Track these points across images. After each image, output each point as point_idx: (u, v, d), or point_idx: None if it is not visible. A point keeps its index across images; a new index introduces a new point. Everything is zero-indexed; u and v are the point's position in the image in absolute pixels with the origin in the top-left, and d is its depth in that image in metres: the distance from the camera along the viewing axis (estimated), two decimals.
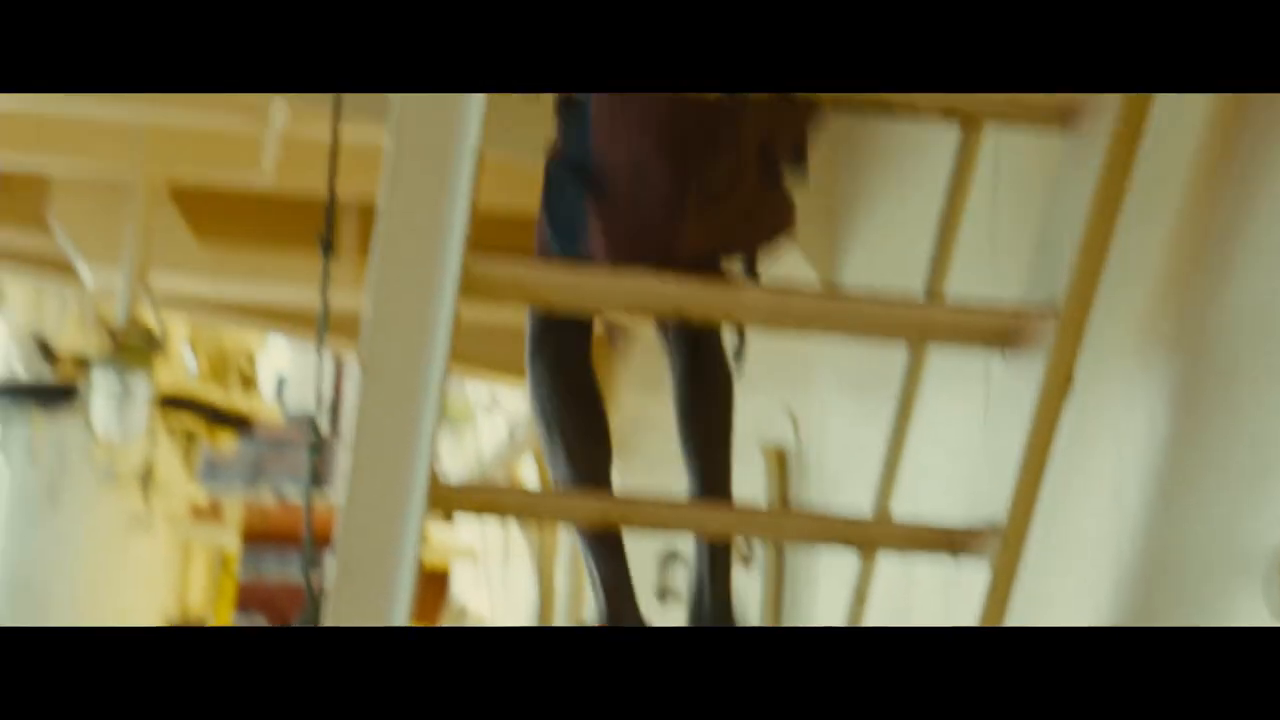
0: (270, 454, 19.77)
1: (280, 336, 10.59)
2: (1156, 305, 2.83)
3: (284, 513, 15.77)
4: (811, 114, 3.27)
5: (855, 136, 4.16)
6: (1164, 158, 2.78)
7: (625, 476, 7.39)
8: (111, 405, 8.72)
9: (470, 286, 2.64)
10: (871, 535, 2.97)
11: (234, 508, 14.37)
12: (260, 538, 15.40)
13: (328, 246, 4.08)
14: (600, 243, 3.15)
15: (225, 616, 13.91)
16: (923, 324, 2.81)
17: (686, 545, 3.52)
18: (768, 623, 4.49)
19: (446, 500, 2.77)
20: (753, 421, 3.87)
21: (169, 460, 12.69)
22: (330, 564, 2.72)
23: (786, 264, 3.54)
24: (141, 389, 8.72)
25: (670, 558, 5.56)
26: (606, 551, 3.26)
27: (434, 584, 13.83)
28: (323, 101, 4.35)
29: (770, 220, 3.28)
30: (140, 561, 12.42)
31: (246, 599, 14.94)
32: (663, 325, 3.39)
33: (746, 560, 4.60)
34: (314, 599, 3.60)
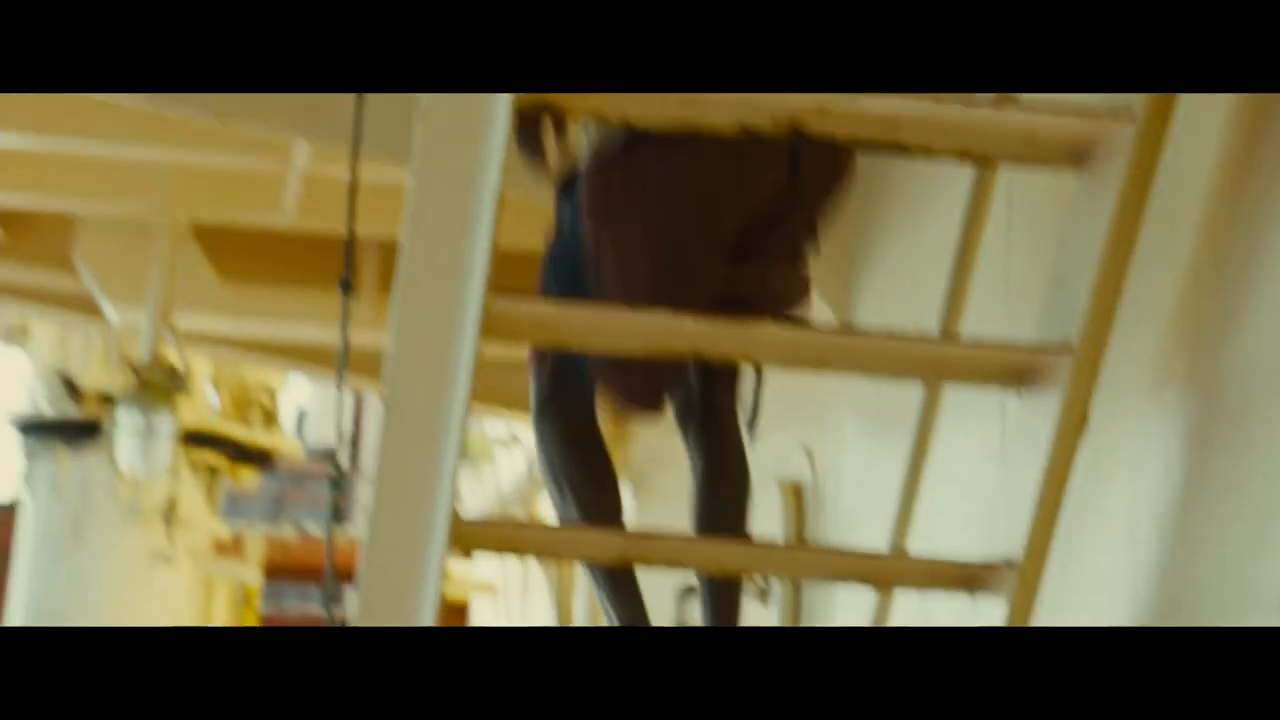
0: (291, 489, 19.78)
1: (301, 374, 10.59)
2: (1170, 344, 2.82)
3: (305, 547, 15.76)
4: (824, 192, 3.26)
5: (869, 177, 4.16)
6: (1177, 197, 2.77)
7: (642, 512, 7.39)
8: (136, 442, 8.73)
9: (491, 326, 2.64)
10: (888, 572, 2.96)
11: (256, 542, 14.36)
12: (282, 572, 15.39)
13: (347, 286, 4.08)
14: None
15: None
16: (939, 362, 2.81)
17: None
18: None
19: (467, 538, 2.76)
20: (769, 457, 3.87)
21: (192, 496, 12.70)
22: (352, 599, 2.72)
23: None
24: (165, 426, 8.73)
25: (688, 592, 5.55)
26: (621, 591, 3.25)
27: (453, 618, 13.81)
28: (343, 142, 4.35)
29: (778, 297, 3.28)
30: (163, 596, 12.42)
31: None
32: (684, 422, 3.37)
33: (764, 595, 4.58)
34: None
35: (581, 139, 3.23)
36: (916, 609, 3.53)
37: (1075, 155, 2.75)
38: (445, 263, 2.61)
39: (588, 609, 8.27)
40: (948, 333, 3.22)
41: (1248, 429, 2.59)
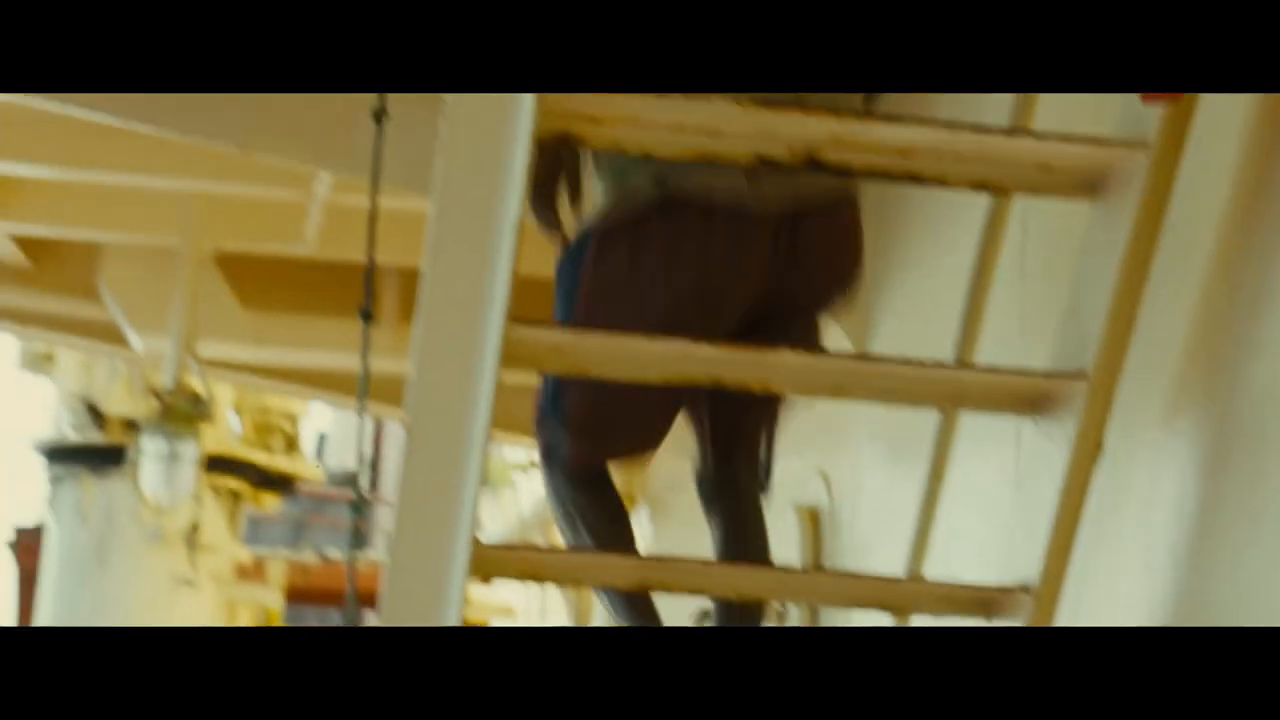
0: (312, 513, 19.79)
1: (322, 401, 10.61)
2: (1184, 371, 2.81)
3: (326, 571, 15.75)
4: (830, 279, 3.21)
5: (884, 206, 4.16)
6: (1190, 225, 2.77)
7: (659, 536, 7.37)
8: (159, 468, 8.74)
9: (511, 354, 2.64)
10: (905, 597, 2.95)
11: (277, 567, 14.36)
12: (302, 596, 15.39)
13: (367, 315, 4.09)
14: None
15: None
16: (955, 389, 2.80)
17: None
18: None
19: (487, 564, 2.76)
20: (787, 482, 3.85)
21: (214, 521, 12.70)
22: (373, 623, 2.71)
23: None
24: (188, 452, 8.74)
25: (705, 615, 5.53)
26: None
27: None
28: (363, 171, 4.36)
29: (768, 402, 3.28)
30: (186, 620, 12.42)
31: None
32: (703, 494, 3.36)
33: (781, 619, 4.57)
34: None
35: (593, 202, 3.22)
36: None
37: (1089, 184, 2.75)
38: (466, 291, 2.61)
39: None
40: (963, 360, 3.21)
41: (1262, 455, 2.58)
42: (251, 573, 13.87)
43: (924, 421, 3.37)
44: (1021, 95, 3.18)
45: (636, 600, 3.23)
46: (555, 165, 3.08)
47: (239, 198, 7.82)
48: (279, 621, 13.93)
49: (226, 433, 12.89)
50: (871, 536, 4.33)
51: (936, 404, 2.93)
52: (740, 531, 3.32)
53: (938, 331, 3.46)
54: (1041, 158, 2.72)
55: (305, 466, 13.83)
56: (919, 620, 3.40)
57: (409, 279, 8.39)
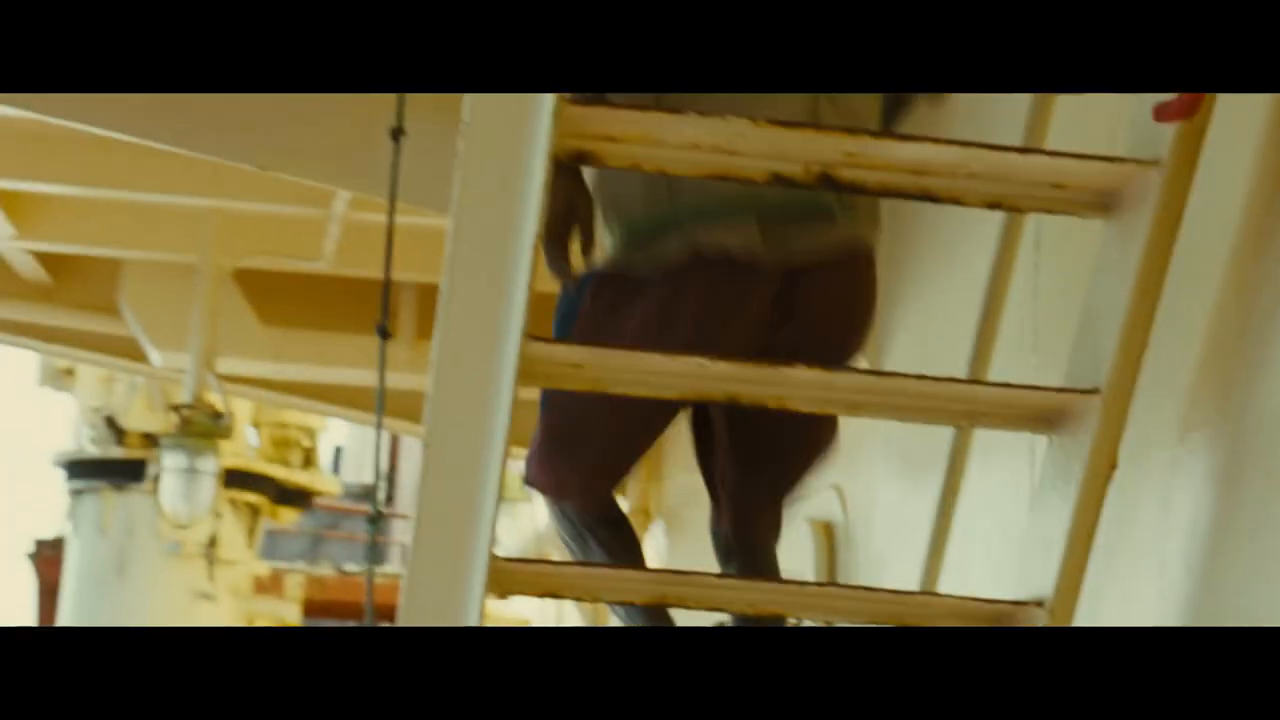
0: (329, 527, 19.80)
1: (339, 417, 10.62)
2: (1197, 387, 2.80)
3: (342, 585, 15.76)
4: (831, 333, 3.18)
5: (898, 223, 4.15)
6: (1203, 242, 2.76)
7: (674, 550, 7.36)
8: (179, 483, 8.75)
9: (528, 370, 2.64)
10: (920, 611, 2.93)
11: (295, 580, 14.36)
12: (320, 610, 15.39)
13: (384, 332, 4.09)
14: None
15: None
16: (970, 405, 2.79)
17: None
18: None
19: (505, 580, 2.75)
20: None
21: (232, 535, 12.71)
22: None
23: None
24: (207, 467, 8.75)
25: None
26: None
27: None
28: (380, 189, 4.35)
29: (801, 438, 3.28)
30: None
31: None
32: (720, 549, 3.34)
33: None
34: None
35: (604, 250, 3.22)
36: None
37: (1103, 201, 2.74)
38: (484, 308, 2.61)
39: None
40: (976, 377, 3.20)
41: (1275, 471, 2.57)
42: (269, 586, 13.89)
43: (938, 437, 3.36)
44: (1035, 113, 3.18)
45: (653, 615, 3.21)
46: (569, 214, 3.07)
47: (258, 215, 7.84)
48: None
49: (244, 447, 12.90)
50: (886, 551, 4.32)
51: (951, 420, 2.92)
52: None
53: (951, 349, 3.45)
54: (1055, 176, 2.71)
55: (323, 481, 13.84)
56: None
57: (426, 295, 8.42)
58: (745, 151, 2.67)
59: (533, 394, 2.98)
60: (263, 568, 13.74)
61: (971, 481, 3.38)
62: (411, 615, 2.69)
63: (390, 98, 4.05)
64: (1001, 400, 2.78)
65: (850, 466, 4.52)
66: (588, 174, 3.13)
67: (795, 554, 4.15)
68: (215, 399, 8.78)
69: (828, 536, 4.62)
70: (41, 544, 15.76)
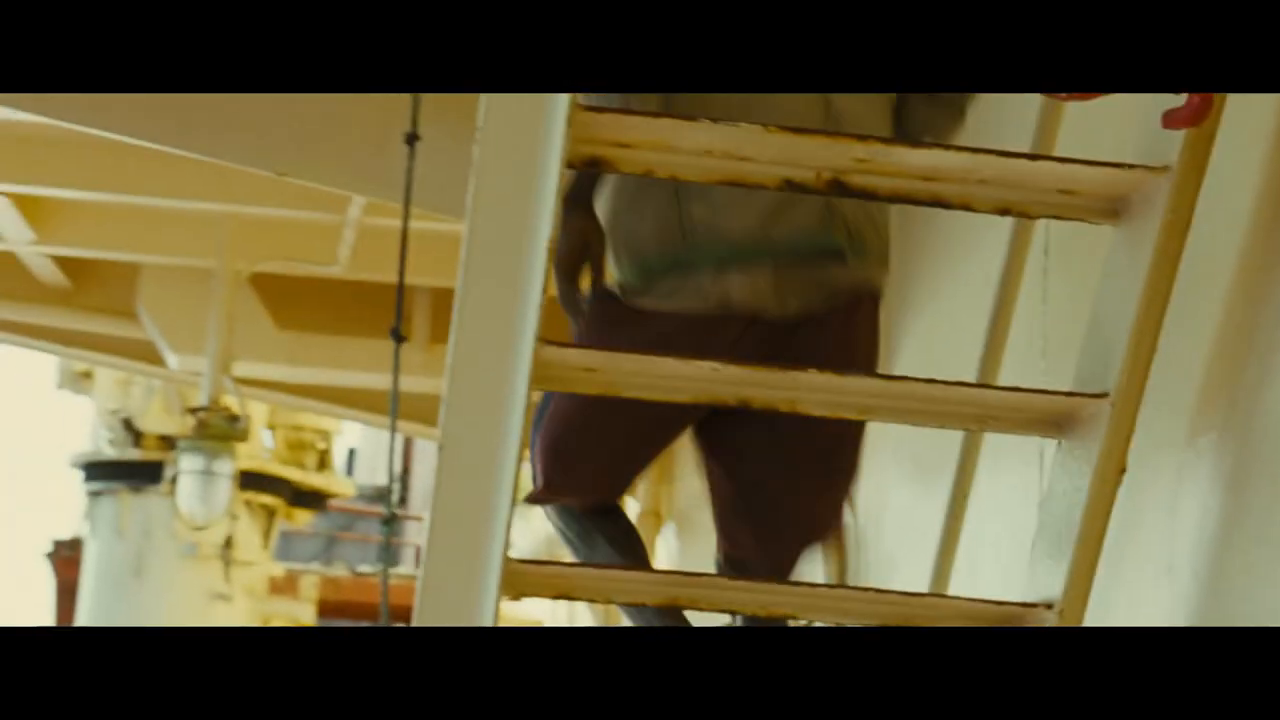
0: (343, 528, 19.81)
1: (354, 419, 10.62)
2: (1206, 392, 2.79)
3: (356, 585, 15.77)
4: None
5: (908, 229, 4.15)
6: (1212, 247, 2.75)
7: (685, 551, 7.35)
8: (195, 484, 8.76)
9: (541, 375, 2.64)
10: (930, 613, 2.92)
11: (309, 581, 14.38)
12: (334, 610, 15.39)
13: (399, 336, 4.10)
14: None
15: None
16: (980, 409, 2.78)
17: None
18: None
19: (519, 582, 2.75)
20: None
21: (248, 536, 12.73)
22: None
23: None
24: (224, 469, 8.76)
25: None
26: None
27: None
28: (394, 194, 4.36)
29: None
30: None
31: None
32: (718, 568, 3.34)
33: None
34: None
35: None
36: None
37: (1112, 207, 2.73)
38: (498, 312, 2.61)
39: None
40: (987, 381, 3.19)
41: None
42: (284, 587, 13.90)
43: (948, 440, 3.36)
44: (1044, 119, 3.18)
45: (666, 617, 3.20)
46: (583, 251, 3.07)
47: (274, 220, 7.85)
48: None
49: (260, 450, 12.91)
50: (896, 554, 4.31)
51: (961, 424, 2.91)
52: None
53: (961, 353, 3.44)
54: (1064, 182, 2.70)
55: (337, 483, 13.84)
56: None
57: (439, 299, 8.43)
58: (757, 157, 2.67)
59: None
60: (278, 569, 13.75)
61: (981, 485, 3.37)
62: (427, 616, 2.69)
63: (405, 104, 4.05)
64: (1011, 404, 2.78)
65: (862, 469, 4.51)
66: (601, 212, 3.12)
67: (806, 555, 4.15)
68: (231, 402, 8.79)
69: (838, 538, 4.61)
70: (59, 544, 15.78)
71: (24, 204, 7.64)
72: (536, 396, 2.79)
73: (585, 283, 3.09)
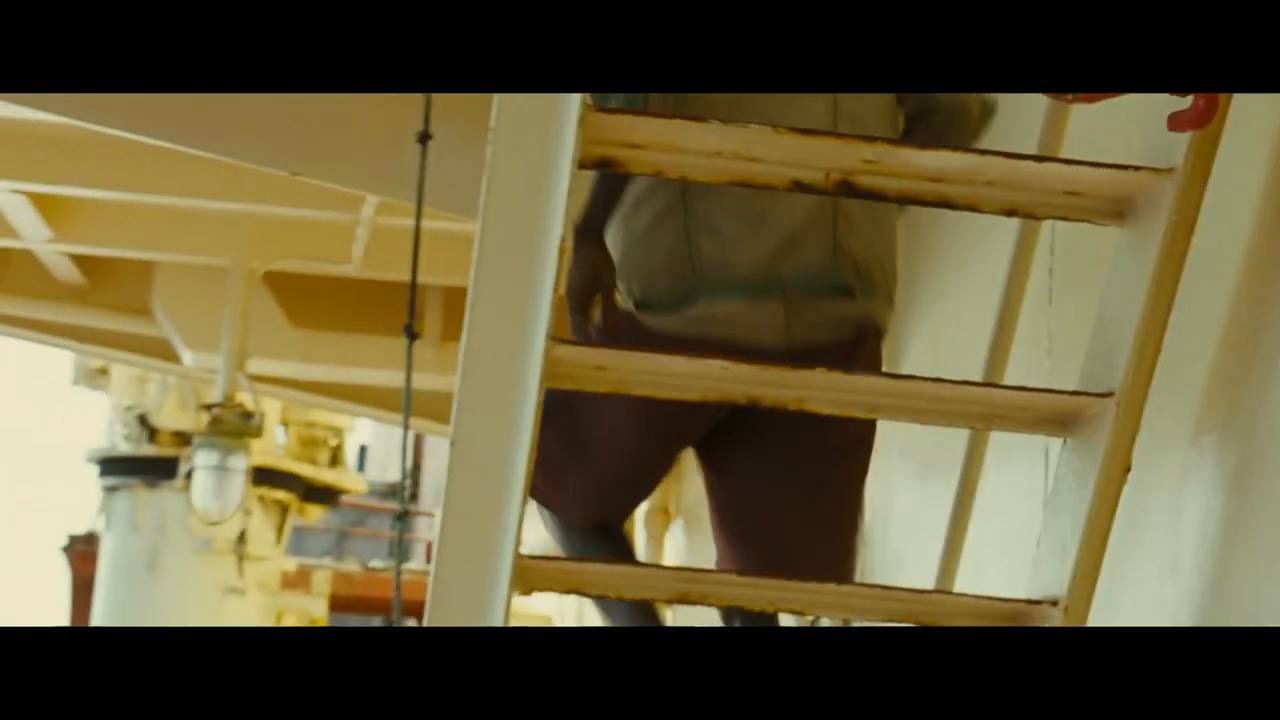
0: (355, 524, 19.82)
1: (366, 416, 10.63)
2: (1210, 392, 2.79)
3: (367, 580, 15.78)
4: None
5: (916, 230, 4.15)
6: (1217, 249, 2.75)
7: (693, 548, 7.35)
8: (210, 480, 8.77)
9: (553, 372, 2.64)
10: (936, 610, 2.92)
11: (322, 576, 14.39)
12: (345, 605, 15.41)
13: (411, 333, 4.10)
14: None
15: None
16: (986, 408, 2.78)
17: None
18: None
19: (530, 577, 2.75)
20: None
21: (261, 531, 12.74)
22: None
23: None
24: (238, 465, 8.77)
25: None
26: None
27: None
28: (407, 194, 4.36)
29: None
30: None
31: None
32: (723, 613, 3.32)
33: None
34: None
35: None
36: None
37: (1117, 209, 2.73)
38: (510, 311, 2.61)
39: None
40: (993, 380, 3.19)
41: None
42: (296, 582, 13.91)
43: (954, 439, 3.35)
44: (1050, 122, 3.17)
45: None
46: (594, 282, 3.08)
47: (288, 219, 7.85)
48: None
49: (273, 446, 12.92)
50: (903, 552, 4.31)
51: (967, 423, 2.91)
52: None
53: (968, 352, 3.44)
54: (1070, 183, 2.70)
55: (349, 479, 13.85)
56: None
57: (451, 298, 8.43)
58: (766, 158, 2.67)
59: None
60: (290, 563, 13.76)
61: (987, 483, 3.37)
62: (438, 610, 2.69)
63: (417, 105, 4.05)
64: (1017, 403, 2.77)
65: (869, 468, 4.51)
66: (613, 246, 3.13)
67: None
68: (246, 399, 8.80)
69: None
70: (75, 539, 15.81)
71: (41, 203, 7.65)
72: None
73: (596, 314, 3.09)
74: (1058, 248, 3.42)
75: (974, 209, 2.73)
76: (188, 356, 8.76)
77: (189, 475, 9.01)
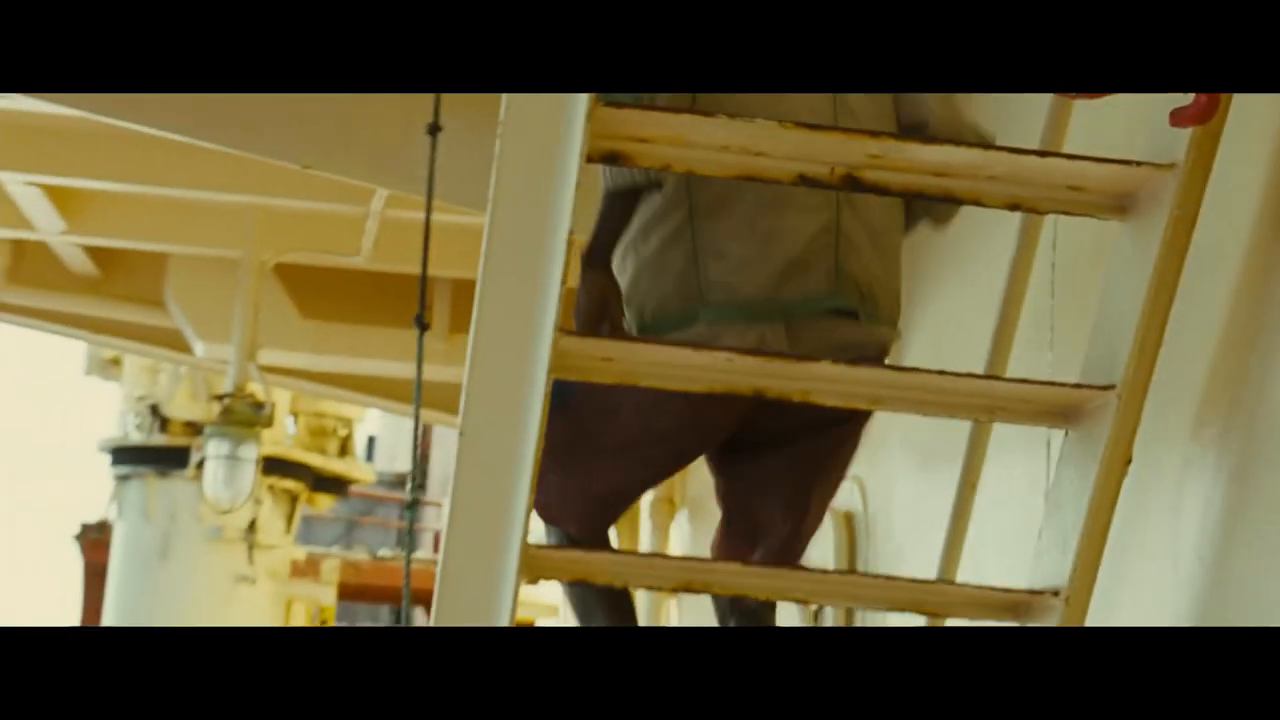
0: (363, 513, 19.84)
1: (375, 408, 10.63)
2: (1210, 385, 2.79)
3: (376, 569, 15.79)
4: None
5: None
6: (1218, 243, 2.75)
7: (696, 539, 7.35)
8: (221, 469, 8.77)
9: (560, 363, 2.64)
10: (938, 600, 2.93)
11: (330, 565, 14.40)
12: (354, 594, 15.41)
13: (422, 323, 4.10)
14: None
15: None
16: (988, 400, 2.78)
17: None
18: None
19: (537, 566, 2.75)
20: None
21: (271, 520, 12.75)
22: (424, 624, 2.70)
23: None
24: (249, 454, 8.77)
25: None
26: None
27: None
28: (417, 187, 4.36)
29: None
30: (244, 615, 12.46)
31: None
32: (719, 611, 3.32)
33: (816, 622, 4.55)
34: None
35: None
36: None
37: (1119, 203, 2.73)
38: (518, 302, 2.61)
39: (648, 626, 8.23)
40: (995, 373, 3.19)
41: None
42: (306, 570, 13.92)
43: (957, 431, 3.35)
44: (1053, 117, 3.17)
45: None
46: (602, 308, 3.08)
47: (299, 212, 7.85)
48: (332, 617, 13.98)
49: (283, 436, 12.93)
50: (905, 543, 4.31)
51: (970, 415, 2.91)
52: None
53: (971, 345, 3.44)
54: (1073, 178, 2.70)
55: (358, 469, 13.86)
56: (951, 624, 3.38)
57: (460, 290, 8.43)
58: (772, 153, 2.67)
59: None
60: (300, 552, 13.77)
61: (989, 475, 3.37)
62: (446, 599, 2.70)
63: (427, 100, 4.05)
64: (1019, 396, 2.77)
65: (871, 459, 4.51)
66: (620, 272, 3.13)
67: (817, 543, 4.15)
68: (256, 389, 8.80)
69: (848, 526, 4.61)
70: (88, 527, 15.83)
71: (55, 194, 7.65)
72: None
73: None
74: (1060, 242, 3.42)
75: (977, 203, 2.73)
76: (199, 347, 8.76)
77: (200, 464, 9.02)
